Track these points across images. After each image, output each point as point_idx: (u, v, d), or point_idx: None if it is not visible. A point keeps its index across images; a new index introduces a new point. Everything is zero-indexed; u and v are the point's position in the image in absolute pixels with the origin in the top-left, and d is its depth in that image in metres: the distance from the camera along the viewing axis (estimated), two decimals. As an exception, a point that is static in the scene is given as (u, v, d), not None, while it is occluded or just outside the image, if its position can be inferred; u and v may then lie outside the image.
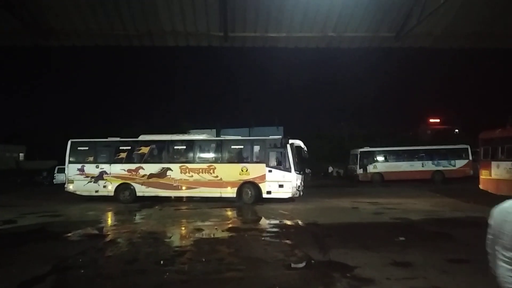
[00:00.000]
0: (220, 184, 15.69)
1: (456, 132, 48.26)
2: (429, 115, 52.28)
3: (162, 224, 11.28)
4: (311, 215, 12.20)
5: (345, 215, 12.61)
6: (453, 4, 12.55)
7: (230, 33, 13.97)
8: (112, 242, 8.92)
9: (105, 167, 16.64)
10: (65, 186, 17.04)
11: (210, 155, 16.55)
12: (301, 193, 15.68)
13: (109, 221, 12.60)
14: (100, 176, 16.56)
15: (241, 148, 16.49)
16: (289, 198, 15.26)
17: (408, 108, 47.84)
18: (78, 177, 16.73)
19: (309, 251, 7.46)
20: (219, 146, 16.46)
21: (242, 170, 15.57)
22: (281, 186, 15.16)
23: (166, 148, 16.85)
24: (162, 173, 16.16)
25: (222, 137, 17.60)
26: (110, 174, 16.55)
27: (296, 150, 15.62)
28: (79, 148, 17.29)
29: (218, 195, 15.71)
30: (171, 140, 17.03)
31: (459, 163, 26.07)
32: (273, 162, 15.45)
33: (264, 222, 11.53)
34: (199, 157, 16.47)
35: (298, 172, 15.35)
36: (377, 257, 6.94)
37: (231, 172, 15.65)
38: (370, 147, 28.48)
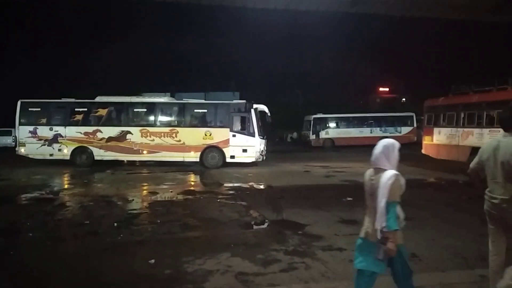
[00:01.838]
0: (183, 148, 15.50)
1: (404, 100, 50.52)
2: (379, 84, 54.07)
3: (114, 187, 11.07)
4: (265, 179, 12.51)
5: (297, 178, 13.04)
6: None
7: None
8: (61, 205, 8.65)
9: (59, 129, 15.81)
10: (16, 149, 16.05)
11: (173, 118, 16.24)
12: (264, 158, 15.90)
13: (58, 185, 12.12)
14: (55, 139, 15.76)
15: (204, 112, 16.28)
16: (251, 162, 15.43)
17: (361, 77, 48.98)
18: (30, 139, 15.78)
19: (263, 211, 7.71)
20: (182, 110, 16.15)
21: (205, 135, 15.47)
22: (244, 150, 15.26)
23: (125, 110, 16.26)
24: (122, 137, 15.67)
25: (185, 100, 17.14)
26: (65, 137, 15.79)
27: (260, 115, 15.68)
28: (30, 109, 16.17)
29: (181, 159, 15.56)
30: (131, 102, 16.41)
31: (405, 130, 27.58)
32: (237, 127, 15.41)
33: (219, 186, 11.62)
34: (161, 121, 16.09)
35: (261, 137, 15.50)
36: (326, 216, 7.32)
37: (195, 137, 15.50)
38: (323, 114, 29.18)
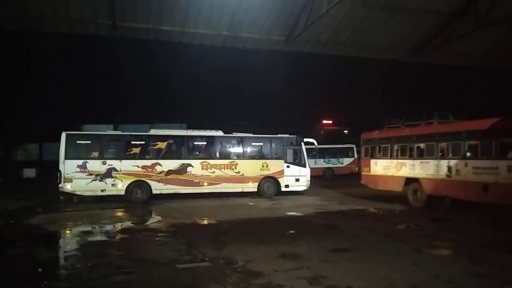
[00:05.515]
0: (242, 179, 16.36)
1: (346, 132, 52.76)
2: (322, 116, 56.23)
3: (44, 228, 10.24)
4: (209, 213, 12.26)
5: (242, 211, 12.92)
6: (336, 15, 13.72)
7: (120, 22, 13.27)
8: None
9: (114, 163, 14.82)
10: (60, 185, 14.39)
11: (232, 151, 16.94)
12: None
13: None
14: (109, 174, 14.71)
15: (261, 145, 17.43)
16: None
17: (306, 110, 50.88)
18: (78, 174, 14.45)
19: (204, 249, 7.46)
20: (240, 143, 16.98)
21: (263, 166, 16.64)
22: (297, 180, 16.91)
23: (186, 143, 16.37)
24: (182, 170, 15.65)
25: (242, 134, 17.66)
26: (120, 171, 14.83)
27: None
28: (78, 142, 15.11)
29: (240, 190, 16.32)
30: (192, 136, 16.73)
31: (346, 161, 28.64)
32: (290, 158, 17.00)
33: (160, 222, 11.17)
34: (221, 153, 16.64)
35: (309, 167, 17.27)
36: (268, 251, 7.24)
37: (253, 168, 16.53)
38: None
